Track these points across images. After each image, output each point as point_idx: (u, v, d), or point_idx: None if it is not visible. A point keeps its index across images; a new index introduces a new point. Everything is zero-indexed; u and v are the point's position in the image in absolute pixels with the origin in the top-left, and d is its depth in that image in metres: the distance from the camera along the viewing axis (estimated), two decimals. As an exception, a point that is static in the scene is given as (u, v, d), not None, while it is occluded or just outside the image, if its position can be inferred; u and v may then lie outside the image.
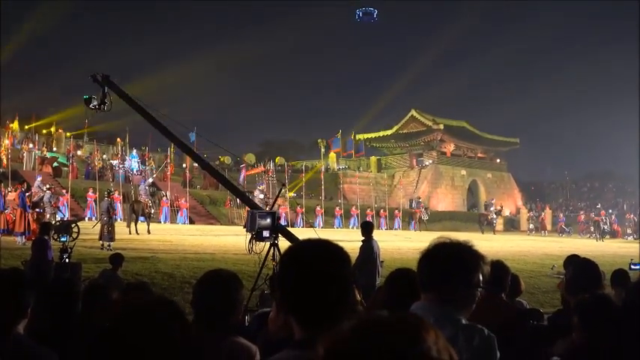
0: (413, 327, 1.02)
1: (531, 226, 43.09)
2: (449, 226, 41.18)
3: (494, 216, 41.17)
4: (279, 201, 32.00)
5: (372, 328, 1.03)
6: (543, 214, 46.31)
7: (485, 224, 40.39)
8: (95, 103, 10.64)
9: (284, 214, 32.53)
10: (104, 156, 38.87)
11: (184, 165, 38.85)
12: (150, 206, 24.16)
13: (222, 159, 44.37)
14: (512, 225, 47.76)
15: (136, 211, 22.93)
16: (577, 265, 4.56)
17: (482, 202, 54.09)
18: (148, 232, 22.24)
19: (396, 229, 38.47)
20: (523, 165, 78.54)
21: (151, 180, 30.68)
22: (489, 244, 23.17)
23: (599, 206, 44.95)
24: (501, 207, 45.98)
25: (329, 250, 1.71)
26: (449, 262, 2.16)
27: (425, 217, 40.27)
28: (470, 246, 2.20)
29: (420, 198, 44.33)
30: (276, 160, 49.06)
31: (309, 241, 1.75)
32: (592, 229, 38.86)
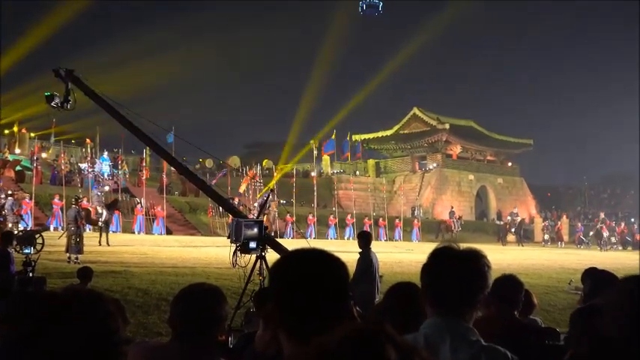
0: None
1: (546, 236, 43.25)
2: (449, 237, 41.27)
3: (516, 226, 41.34)
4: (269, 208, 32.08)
5: (357, 339, 1.07)
6: (559, 223, 46.52)
7: (504, 235, 40.70)
8: (58, 101, 10.60)
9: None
10: (72, 159, 38.75)
11: (161, 169, 38.78)
12: (98, 214, 23.56)
13: (203, 162, 44.40)
14: (525, 235, 47.91)
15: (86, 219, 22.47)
16: (596, 278, 4.56)
17: (492, 210, 54.32)
18: (99, 243, 21.95)
19: (396, 240, 38.55)
20: (537, 169, 79.22)
21: (107, 188, 30.63)
22: (501, 256, 23.24)
23: (603, 216, 45.23)
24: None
25: (323, 260, 1.71)
26: (460, 274, 2.14)
27: (457, 229, 40.27)
28: (479, 253, 2.20)
29: (421, 205, 44.53)
30: (264, 164, 49.06)
31: (302, 251, 1.75)
32: (586, 238, 39.88)
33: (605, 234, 39.27)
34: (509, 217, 43.35)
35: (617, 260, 25.02)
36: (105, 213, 23.85)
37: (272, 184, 35.25)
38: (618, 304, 2.15)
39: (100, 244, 21.77)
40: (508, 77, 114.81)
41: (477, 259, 2.17)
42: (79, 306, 1.50)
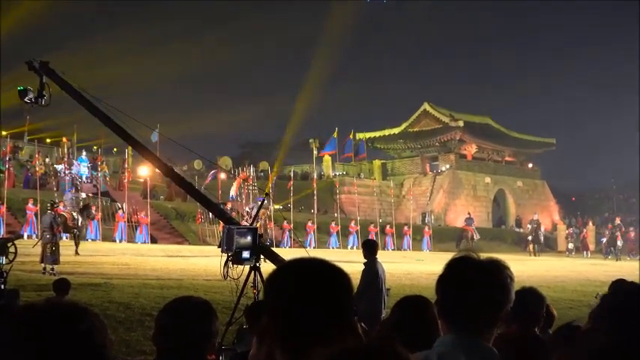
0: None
1: (570, 245, 43.18)
2: (469, 246, 41.24)
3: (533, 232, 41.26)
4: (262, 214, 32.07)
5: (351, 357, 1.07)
6: (585, 230, 46.47)
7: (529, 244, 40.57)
8: (31, 96, 10.61)
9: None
10: (47, 160, 38.78)
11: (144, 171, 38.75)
12: (74, 220, 23.64)
13: (191, 163, 44.44)
14: (547, 244, 47.86)
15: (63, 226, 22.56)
16: (623, 291, 4.54)
17: (511, 216, 54.28)
18: (76, 252, 22.05)
19: (405, 249, 38.60)
20: (560, 171, 78.97)
21: (83, 195, 30.65)
22: (521, 267, 23.17)
23: (618, 222, 44.76)
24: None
25: (324, 271, 1.71)
26: (480, 287, 2.13)
27: (477, 237, 40.28)
28: (502, 264, 2.19)
29: (432, 211, 44.52)
30: (259, 165, 49.06)
31: (300, 261, 1.76)
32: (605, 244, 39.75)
33: (620, 242, 39.19)
34: (529, 226, 43.24)
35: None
36: (80, 219, 23.90)
37: (268, 187, 35.20)
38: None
39: (77, 254, 21.83)
40: (528, 69, 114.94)
41: (499, 271, 2.16)
42: (62, 319, 1.49)
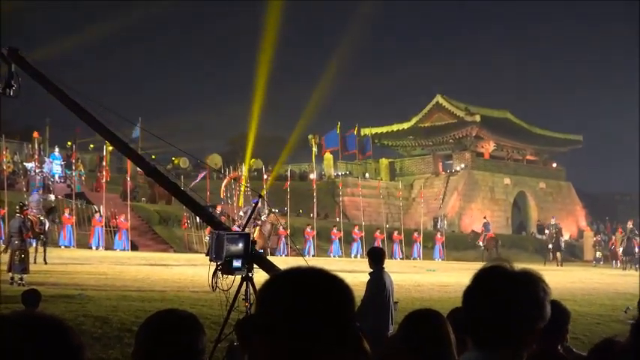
0: None
1: (598, 254, 43.20)
2: (486, 254, 41.18)
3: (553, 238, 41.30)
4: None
5: None
6: (614, 238, 46.44)
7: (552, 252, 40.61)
8: (-1, 86, 10.61)
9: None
10: (16, 157, 38.75)
11: (124, 170, 38.73)
12: (42, 225, 23.56)
13: (176, 161, 44.40)
14: (572, 253, 47.86)
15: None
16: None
17: (532, 222, 54.32)
18: (45, 261, 22.11)
19: (414, 258, 38.62)
20: (587, 172, 78.88)
21: (52, 197, 30.55)
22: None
23: (631, 225, 42.61)
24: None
25: (323, 281, 1.70)
26: (512, 300, 2.12)
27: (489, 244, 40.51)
28: (536, 276, 2.20)
29: (445, 215, 44.56)
30: (251, 163, 48.95)
31: (297, 271, 1.74)
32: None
33: (638, 249, 38.89)
34: (546, 231, 43.26)
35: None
36: (47, 224, 23.88)
37: (264, 190, 35.12)
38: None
39: (46, 263, 21.84)
40: (552, 60, 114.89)
41: (534, 283, 2.16)
42: (40, 335, 1.48)
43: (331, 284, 1.70)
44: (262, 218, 32.21)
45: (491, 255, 37.20)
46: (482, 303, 2.16)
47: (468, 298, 2.20)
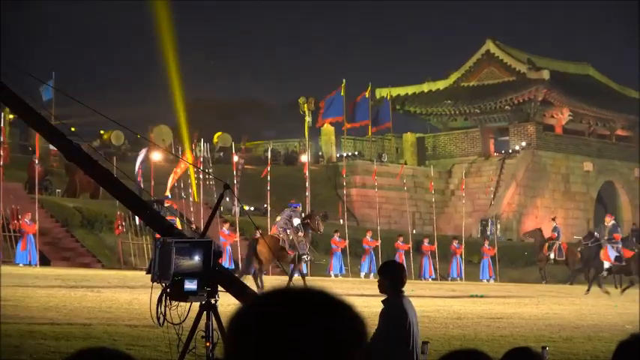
0: None
1: None
2: (558, 274, 32.91)
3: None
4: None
5: None
6: None
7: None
8: None
9: (229, 248, 27.53)
10: None
11: (31, 149, 32.80)
12: None
13: (106, 136, 39.07)
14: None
15: None
16: None
17: (624, 223, 43.40)
18: None
19: (453, 278, 32.78)
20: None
21: None
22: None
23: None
24: None
25: (324, 310, 1.42)
26: None
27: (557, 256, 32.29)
28: None
29: (498, 216, 38.26)
30: (215, 139, 42.09)
31: (283, 294, 1.48)
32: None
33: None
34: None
35: None
36: None
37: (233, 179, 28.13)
38: None
39: None
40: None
41: None
42: None
43: (334, 314, 1.42)
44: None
45: (574, 275, 30.04)
46: None
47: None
